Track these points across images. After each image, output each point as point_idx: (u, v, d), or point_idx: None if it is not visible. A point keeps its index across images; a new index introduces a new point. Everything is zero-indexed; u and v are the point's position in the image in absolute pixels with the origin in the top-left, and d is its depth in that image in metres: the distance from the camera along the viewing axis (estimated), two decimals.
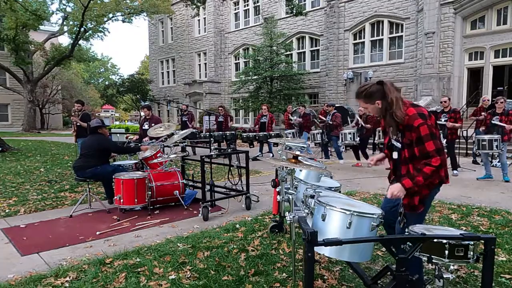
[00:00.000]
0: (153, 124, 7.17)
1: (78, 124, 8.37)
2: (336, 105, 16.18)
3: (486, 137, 7.74)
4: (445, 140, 7.63)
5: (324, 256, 3.21)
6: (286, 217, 2.64)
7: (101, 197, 5.86)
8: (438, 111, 7.88)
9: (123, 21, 24.99)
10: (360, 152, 9.49)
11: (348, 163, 9.58)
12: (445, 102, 7.77)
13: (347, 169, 8.96)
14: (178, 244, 3.83)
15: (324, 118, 10.18)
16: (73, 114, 8.24)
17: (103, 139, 5.54)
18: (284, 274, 3.12)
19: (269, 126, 10.88)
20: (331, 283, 2.98)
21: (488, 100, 9.42)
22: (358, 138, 9.43)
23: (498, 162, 7.98)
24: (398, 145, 2.50)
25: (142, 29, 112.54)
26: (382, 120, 2.65)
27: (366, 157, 9.01)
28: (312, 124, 12.09)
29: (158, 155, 5.88)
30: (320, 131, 10.45)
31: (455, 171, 7.88)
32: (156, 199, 5.25)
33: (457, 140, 8.24)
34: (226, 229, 4.33)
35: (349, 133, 9.45)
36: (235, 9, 25.59)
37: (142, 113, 8.63)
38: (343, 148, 10.81)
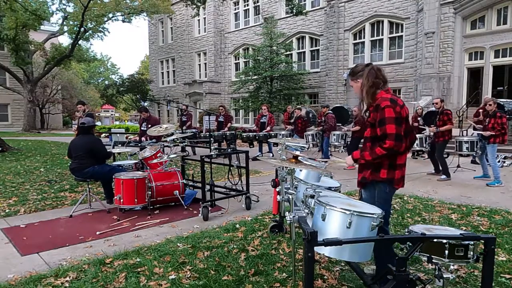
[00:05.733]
0: (149, 125, 7.18)
1: None
2: (336, 105, 16.22)
3: (466, 138, 7.76)
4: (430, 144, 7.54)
5: (324, 256, 3.21)
6: (286, 217, 2.64)
7: (101, 197, 5.85)
8: (438, 113, 7.84)
9: (123, 21, 24.98)
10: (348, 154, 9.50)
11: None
12: (436, 103, 7.65)
13: (347, 169, 8.96)
14: (178, 244, 3.83)
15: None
16: (79, 115, 8.21)
17: (96, 141, 5.44)
18: (284, 274, 3.12)
19: (268, 126, 10.87)
20: (331, 283, 2.98)
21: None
22: (346, 140, 9.47)
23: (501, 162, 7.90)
24: None
25: (142, 29, 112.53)
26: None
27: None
28: (308, 127, 11.99)
29: (158, 155, 5.88)
30: (314, 132, 10.47)
31: (443, 176, 7.54)
32: (156, 199, 5.24)
33: (452, 140, 7.88)
34: (226, 229, 4.33)
35: (333, 134, 9.51)
36: (235, 9, 25.59)
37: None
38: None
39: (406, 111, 2.59)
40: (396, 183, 2.60)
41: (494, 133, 6.91)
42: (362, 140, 3.00)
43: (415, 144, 9.09)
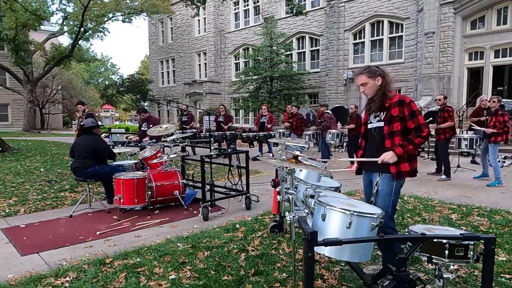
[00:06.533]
0: (151, 125, 7.18)
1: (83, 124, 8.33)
2: (336, 105, 16.23)
3: (467, 136, 7.75)
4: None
5: (324, 256, 3.21)
6: (286, 217, 2.64)
7: (101, 197, 5.86)
8: (438, 111, 7.83)
9: (123, 21, 24.97)
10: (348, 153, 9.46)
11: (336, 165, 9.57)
12: (439, 100, 7.60)
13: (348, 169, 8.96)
14: (178, 244, 3.83)
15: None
16: (79, 115, 8.22)
17: (100, 141, 5.47)
18: (284, 274, 3.12)
19: (269, 125, 10.87)
20: (331, 283, 2.99)
21: (486, 100, 9.38)
22: (343, 139, 9.41)
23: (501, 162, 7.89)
24: (380, 124, 2.85)
25: (142, 29, 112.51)
26: (365, 115, 3.02)
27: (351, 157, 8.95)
28: (306, 126, 11.93)
29: (158, 155, 5.89)
30: (312, 132, 10.46)
31: (443, 176, 7.50)
32: (156, 199, 5.25)
33: (452, 140, 7.81)
34: (226, 229, 4.33)
35: (329, 133, 9.47)
36: (235, 9, 25.59)
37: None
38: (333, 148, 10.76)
39: None
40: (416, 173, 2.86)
41: (496, 131, 6.89)
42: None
43: None
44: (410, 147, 2.70)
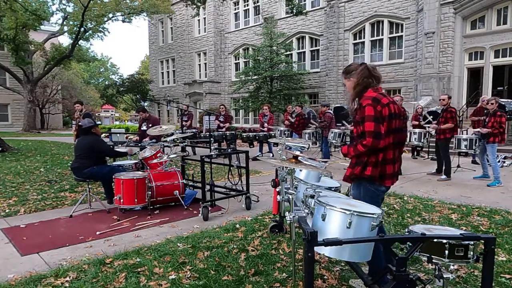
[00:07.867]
0: (150, 125, 7.17)
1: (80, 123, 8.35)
2: (336, 105, 16.21)
3: (466, 136, 7.78)
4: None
5: (324, 256, 3.21)
6: (286, 217, 2.64)
7: (101, 197, 5.86)
8: (439, 111, 7.82)
9: (123, 21, 24.98)
10: None
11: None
12: (443, 100, 7.58)
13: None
14: (178, 244, 3.84)
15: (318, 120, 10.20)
16: (76, 115, 8.24)
17: (99, 142, 5.45)
18: (284, 274, 3.12)
19: (268, 126, 10.87)
20: (331, 283, 2.99)
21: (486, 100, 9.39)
22: (345, 139, 9.41)
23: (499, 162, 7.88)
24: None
25: (142, 29, 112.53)
26: None
27: None
28: (307, 125, 11.92)
29: (158, 155, 5.89)
30: (312, 131, 10.42)
31: (443, 176, 7.51)
32: (156, 199, 5.25)
33: (452, 140, 7.76)
34: (226, 229, 4.33)
35: (331, 132, 9.45)
36: (235, 9, 25.59)
37: None
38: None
39: (392, 110, 2.57)
40: (383, 178, 2.62)
41: (492, 131, 6.92)
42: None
43: (413, 139, 9.07)
44: (350, 149, 2.64)
